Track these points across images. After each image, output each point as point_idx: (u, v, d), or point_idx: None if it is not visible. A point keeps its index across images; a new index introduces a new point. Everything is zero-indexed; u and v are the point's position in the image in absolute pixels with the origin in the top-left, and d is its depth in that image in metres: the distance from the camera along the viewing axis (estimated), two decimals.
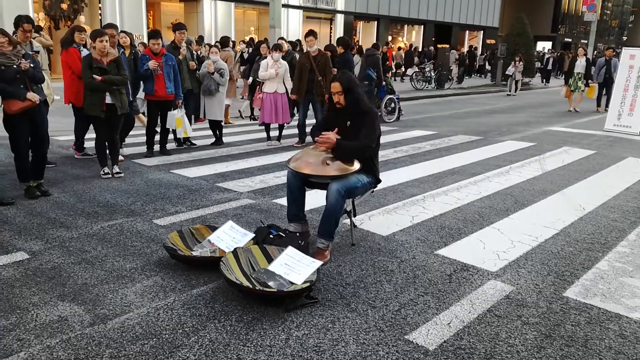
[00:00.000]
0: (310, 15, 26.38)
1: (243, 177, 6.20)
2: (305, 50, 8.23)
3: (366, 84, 10.86)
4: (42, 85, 5.29)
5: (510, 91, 19.86)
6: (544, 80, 26.48)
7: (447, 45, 30.20)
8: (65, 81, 6.58)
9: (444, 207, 5.12)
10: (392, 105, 11.73)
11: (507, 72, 20.71)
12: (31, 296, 3.14)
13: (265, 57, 8.37)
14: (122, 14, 18.72)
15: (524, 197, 5.59)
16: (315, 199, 4.73)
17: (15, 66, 4.75)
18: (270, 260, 3.42)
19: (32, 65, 4.88)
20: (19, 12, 7.03)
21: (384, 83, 11.31)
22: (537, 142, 9.19)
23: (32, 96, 4.80)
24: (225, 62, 8.72)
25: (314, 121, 8.34)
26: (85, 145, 7.01)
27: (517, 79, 19.87)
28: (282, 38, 11.65)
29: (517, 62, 19.39)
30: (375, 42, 13.20)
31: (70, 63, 6.32)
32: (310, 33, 8.16)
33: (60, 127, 8.59)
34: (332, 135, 3.78)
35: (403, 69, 26.19)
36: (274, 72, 7.91)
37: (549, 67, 26.35)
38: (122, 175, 6.02)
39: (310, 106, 8.31)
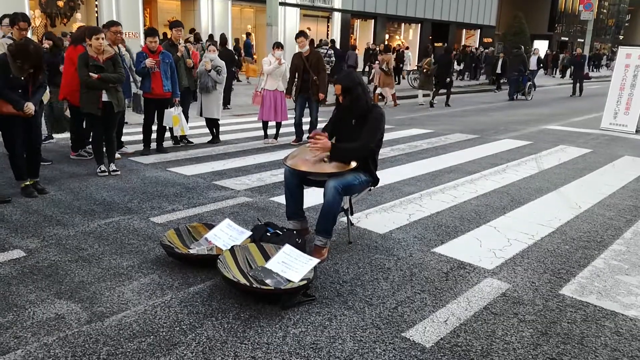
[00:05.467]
0: (307, 13, 26.32)
1: (240, 175, 6.19)
2: (297, 51, 8.26)
3: (515, 74, 17.08)
4: None
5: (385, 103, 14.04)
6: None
7: (443, 44, 30.13)
8: (64, 77, 6.46)
9: (441, 205, 5.13)
10: (529, 89, 17.48)
11: (370, 78, 16.06)
12: (28, 294, 3.14)
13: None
14: (119, 11, 18.62)
15: (521, 195, 5.61)
16: (313, 197, 4.73)
17: (22, 78, 4.78)
18: (267, 258, 3.42)
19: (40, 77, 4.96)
20: (15, 10, 6.99)
21: (526, 73, 17.23)
22: (533, 140, 9.21)
23: (27, 108, 4.79)
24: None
25: (309, 119, 8.39)
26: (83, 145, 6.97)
27: (376, 85, 14.10)
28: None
29: (380, 65, 13.73)
30: (518, 45, 18.66)
31: (76, 60, 6.24)
32: (301, 34, 8.20)
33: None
34: (325, 141, 3.77)
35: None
36: (277, 64, 7.95)
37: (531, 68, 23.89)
38: (118, 173, 6.01)
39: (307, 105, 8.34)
